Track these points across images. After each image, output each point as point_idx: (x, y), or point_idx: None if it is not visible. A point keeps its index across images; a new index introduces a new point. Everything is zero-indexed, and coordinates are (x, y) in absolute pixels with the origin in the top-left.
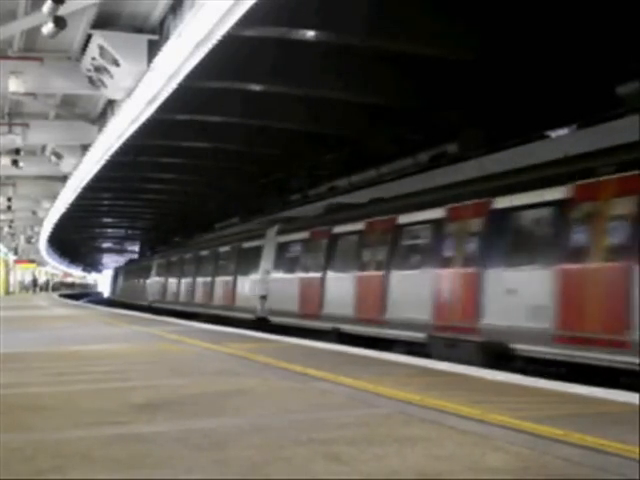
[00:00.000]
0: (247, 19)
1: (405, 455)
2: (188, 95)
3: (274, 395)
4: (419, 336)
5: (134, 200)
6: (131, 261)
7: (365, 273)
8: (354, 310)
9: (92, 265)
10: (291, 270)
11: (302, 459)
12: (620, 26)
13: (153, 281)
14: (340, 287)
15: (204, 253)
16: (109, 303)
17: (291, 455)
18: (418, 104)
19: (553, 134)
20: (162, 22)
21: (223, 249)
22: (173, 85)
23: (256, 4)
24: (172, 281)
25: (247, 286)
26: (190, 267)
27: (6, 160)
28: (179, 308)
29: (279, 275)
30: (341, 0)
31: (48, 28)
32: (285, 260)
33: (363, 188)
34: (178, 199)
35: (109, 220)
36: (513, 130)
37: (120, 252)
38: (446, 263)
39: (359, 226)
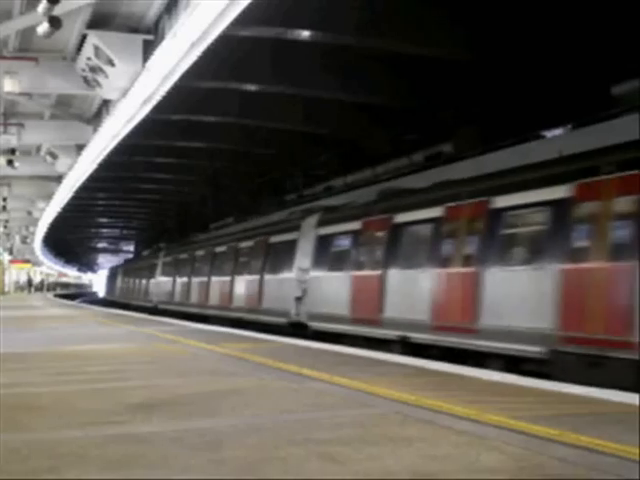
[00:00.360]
0: (242, 19)
1: (400, 455)
2: (183, 95)
3: (269, 395)
4: (533, 350)
5: (129, 200)
6: (132, 259)
7: (447, 270)
8: (430, 315)
9: (87, 265)
10: (338, 267)
11: (297, 459)
12: (615, 26)
13: (159, 280)
14: (409, 287)
15: (221, 249)
16: (105, 303)
17: (286, 455)
18: (413, 104)
19: (548, 134)
20: (157, 22)
21: (245, 244)
22: (168, 85)
23: (251, 4)
24: (182, 280)
25: (277, 286)
26: (204, 265)
27: (1, 160)
28: (190, 310)
29: (321, 273)
30: (337, 0)
31: (43, 28)
32: (329, 255)
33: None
34: (173, 199)
35: (104, 220)
36: (508, 130)
37: (115, 252)
38: (583, 255)
39: (435, 212)
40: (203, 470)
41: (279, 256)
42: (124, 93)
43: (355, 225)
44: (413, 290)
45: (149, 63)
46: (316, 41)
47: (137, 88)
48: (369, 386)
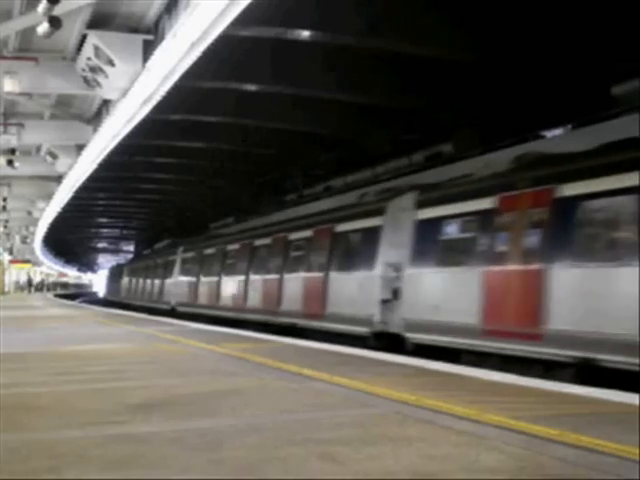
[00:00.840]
0: (242, 19)
1: (400, 455)
2: (183, 95)
3: (269, 395)
4: None
5: (129, 200)
6: (140, 256)
7: None
8: None
9: (87, 265)
10: (457, 260)
11: (297, 459)
12: (615, 26)
13: (179, 280)
14: (599, 288)
15: (263, 242)
16: (105, 303)
17: (286, 455)
18: (413, 104)
19: (548, 134)
20: (157, 22)
21: (298, 235)
22: (168, 85)
23: (251, 4)
24: (210, 280)
25: (351, 286)
26: (240, 261)
27: (1, 160)
28: (222, 314)
29: (427, 269)
30: (337, 0)
31: (43, 28)
32: (439, 245)
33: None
34: (173, 199)
35: (104, 220)
36: (508, 130)
37: (115, 252)
38: None
39: None
40: (203, 470)
41: (351, 248)
42: (124, 93)
43: (485, 203)
44: (609, 293)
45: (149, 63)
46: (316, 41)
47: (137, 88)
48: (369, 386)
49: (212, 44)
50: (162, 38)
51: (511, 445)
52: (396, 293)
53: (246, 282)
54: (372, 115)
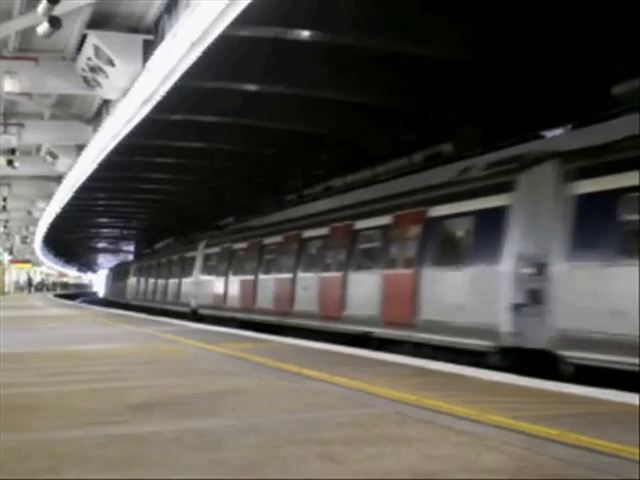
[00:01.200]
0: (242, 19)
1: (400, 455)
2: (183, 95)
3: (269, 395)
4: None
5: (129, 200)
6: (148, 254)
7: None
8: None
9: (87, 265)
10: None
11: (297, 459)
12: (615, 26)
13: (201, 279)
14: None
15: (316, 234)
16: (106, 304)
17: (286, 455)
18: (413, 104)
19: (548, 134)
20: (157, 22)
21: (367, 224)
22: (168, 85)
23: (251, 4)
24: (243, 279)
25: (461, 286)
26: (283, 257)
27: (1, 160)
28: (259, 318)
29: (605, 262)
30: (335, 0)
31: (43, 28)
32: (622, 228)
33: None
34: (173, 199)
35: (104, 220)
36: (508, 130)
37: (115, 252)
38: None
39: None
40: (203, 470)
41: (458, 237)
42: (124, 93)
43: None
44: None
45: (149, 63)
46: (316, 41)
47: (137, 88)
48: (369, 386)
49: (212, 44)
50: (162, 38)
51: (511, 445)
52: (536, 295)
53: (293, 281)
54: (372, 115)
